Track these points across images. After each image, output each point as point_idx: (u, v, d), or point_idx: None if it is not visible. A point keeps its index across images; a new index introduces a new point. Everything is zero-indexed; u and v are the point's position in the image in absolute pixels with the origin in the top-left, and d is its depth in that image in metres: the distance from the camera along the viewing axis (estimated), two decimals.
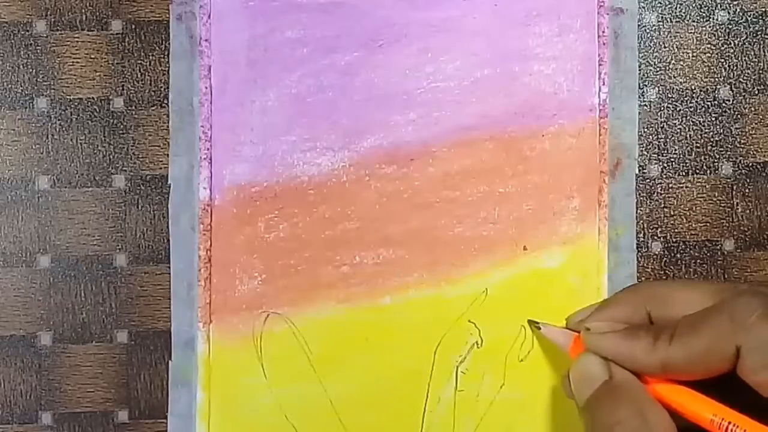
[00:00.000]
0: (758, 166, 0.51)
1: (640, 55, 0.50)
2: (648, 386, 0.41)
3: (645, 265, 0.50)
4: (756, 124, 0.51)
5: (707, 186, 0.51)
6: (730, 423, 0.40)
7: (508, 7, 0.49)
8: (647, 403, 0.41)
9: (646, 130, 0.50)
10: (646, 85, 0.50)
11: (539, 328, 0.47)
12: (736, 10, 0.51)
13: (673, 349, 0.40)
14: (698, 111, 0.51)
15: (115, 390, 0.49)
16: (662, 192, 0.50)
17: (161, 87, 0.49)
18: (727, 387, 0.41)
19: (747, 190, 0.51)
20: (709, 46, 0.51)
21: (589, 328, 0.43)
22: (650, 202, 0.50)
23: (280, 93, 0.49)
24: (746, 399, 0.40)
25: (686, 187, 0.51)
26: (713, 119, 0.51)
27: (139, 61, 0.49)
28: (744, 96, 0.51)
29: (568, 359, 0.45)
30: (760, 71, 0.51)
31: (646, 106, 0.50)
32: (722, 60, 0.51)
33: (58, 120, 0.49)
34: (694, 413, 0.41)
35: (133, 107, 0.49)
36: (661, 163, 0.50)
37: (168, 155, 0.49)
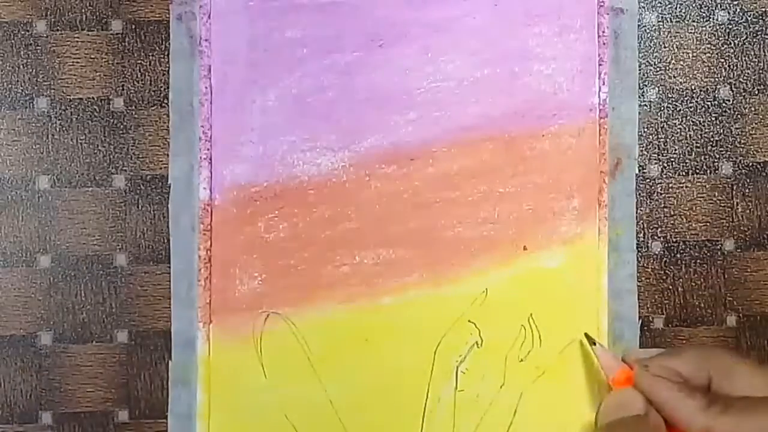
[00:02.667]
0: (758, 166, 0.51)
1: (640, 55, 0.50)
2: None
3: (645, 265, 0.50)
4: (756, 124, 0.51)
5: (707, 186, 0.51)
6: None
7: (508, 7, 0.49)
8: None
9: (646, 130, 0.50)
10: (646, 85, 0.50)
11: (593, 344, 0.47)
12: (736, 10, 0.51)
13: (723, 420, 0.42)
14: (698, 111, 0.51)
15: (115, 390, 0.49)
16: (662, 192, 0.50)
17: (161, 87, 0.49)
18: None
19: (747, 190, 0.51)
20: (709, 46, 0.51)
21: (648, 366, 0.44)
22: (650, 202, 0.50)
23: (280, 93, 0.49)
24: None
25: (686, 187, 0.51)
26: (713, 119, 0.51)
27: (139, 61, 0.49)
28: (744, 96, 0.51)
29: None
30: (760, 71, 0.51)
31: (646, 106, 0.50)
32: (722, 60, 0.51)
33: (58, 120, 0.49)
34: None
35: (133, 107, 0.49)
36: (661, 163, 0.50)
37: (168, 155, 0.49)
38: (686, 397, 0.43)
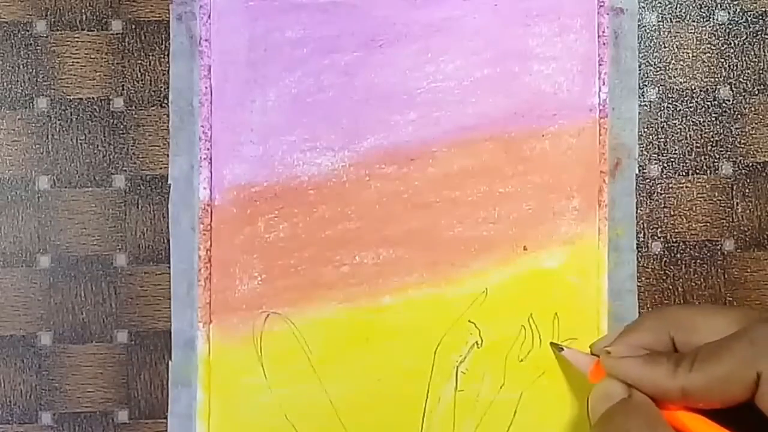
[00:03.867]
0: (758, 166, 0.51)
1: (640, 55, 0.50)
2: (665, 412, 0.41)
3: (645, 265, 0.50)
4: (756, 124, 0.51)
5: (707, 186, 0.51)
6: None
7: (508, 7, 0.49)
8: (660, 423, 0.41)
9: (646, 130, 0.50)
10: (646, 85, 0.50)
11: (561, 350, 0.47)
12: (736, 10, 0.51)
13: (692, 375, 0.40)
14: (698, 111, 0.51)
15: (115, 390, 0.49)
16: (662, 192, 0.50)
17: (161, 87, 0.49)
18: (743, 419, 0.41)
19: (747, 190, 0.51)
20: (709, 46, 0.51)
21: (610, 352, 0.43)
22: (650, 202, 0.50)
23: (280, 93, 0.49)
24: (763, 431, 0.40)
25: (686, 187, 0.51)
26: (713, 119, 0.51)
27: (139, 61, 0.49)
28: (744, 96, 0.51)
29: (587, 383, 0.45)
30: (760, 71, 0.51)
31: (646, 106, 0.50)
32: (722, 60, 0.51)
33: (58, 120, 0.49)
34: None
35: (133, 107, 0.49)
36: (661, 163, 0.50)
37: (168, 155, 0.49)
38: (653, 367, 0.41)
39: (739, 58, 0.51)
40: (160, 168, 0.49)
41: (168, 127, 0.49)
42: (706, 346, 0.41)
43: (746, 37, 0.51)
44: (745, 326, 0.41)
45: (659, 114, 0.50)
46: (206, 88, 0.49)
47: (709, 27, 0.51)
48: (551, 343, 0.48)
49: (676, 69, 0.51)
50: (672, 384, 0.41)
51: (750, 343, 0.40)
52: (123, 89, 0.49)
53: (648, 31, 0.50)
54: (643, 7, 0.50)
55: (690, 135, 0.51)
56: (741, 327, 0.41)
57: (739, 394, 0.40)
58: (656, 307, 0.50)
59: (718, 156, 0.51)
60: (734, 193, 0.51)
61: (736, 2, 0.51)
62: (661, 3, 0.51)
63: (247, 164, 0.49)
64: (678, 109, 0.51)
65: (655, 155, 0.50)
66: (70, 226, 0.49)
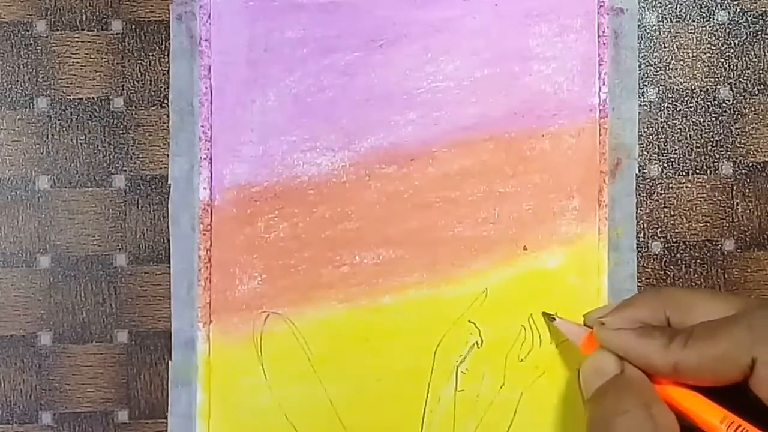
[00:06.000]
0: (758, 166, 0.51)
1: (640, 55, 0.50)
2: (657, 387, 0.41)
3: (645, 265, 0.50)
4: (756, 124, 0.51)
5: (707, 186, 0.51)
6: (739, 427, 0.40)
7: (508, 7, 0.49)
8: (655, 400, 0.41)
9: (646, 130, 0.50)
10: (646, 85, 0.50)
11: (553, 320, 0.47)
12: (736, 10, 0.51)
13: (687, 352, 0.40)
14: (698, 111, 0.51)
15: (115, 390, 0.49)
16: (662, 192, 0.50)
17: (161, 87, 0.49)
18: (732, 399, 0.41)
19: (747, 190, 0.51)
20: (709, 46, 0.51)
21: (604, 323, 0.43)
22: (650, 202, 0.50)
23: (280, 93, 0.49)
24: (752, 412, 0.40)
25: (686, 187, 0.51)
26: (713, 119, 0.51)
27: (139, 61, 0.49)
28: (744, 96, 0.51)
29: (579, 356, 0.45)
30: (760, 71, 0.51)
31: (646, 106, 0.50)
32: (722, 60, 0.51)
33: (58, 120, 0.49)
34: (703, 418, 0.41)
35: (133, 107, 0.49)
36: (661, 163, 0.50)
37: (168, 155, 0.49)
38: (646, 340, 0.41)
39: (739, 58, 0.51)
40: (160, 168, 0.49)
41: (168, 127, 0.49)
42: (702, 325, 0.41)
43: (746, 37, 0.51)
44: (744, 310, 0.41)
45: (659, 114, 0.50)
46: (206, 88, 0.49)
47: (709, 27, 0.51)
48: (543, 313, 0.48)
49: (676, 69, 0.51)
50: (665, 358, 0.41)
51: (748, 328, 0.40)
52: (123, 89, 0.49)
53: (648, 31, 0.50)
54: (643, 7, 0.50)
55: (690, 135, 0.51)
56: (737, 311, 0.41)
57: (731, 376, 0.40)
58: None
59: (718, 156, 0.51)
60: (734, 193, 0.51)
61: (736, 2, 0.51)
62: (661, 3, 0.51)
63: (247, 164, 0.49)
64: (678, 109, 0.51)
65: (655, 155, 0.50)
66: (70, 226, 0.49)
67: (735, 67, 0.51)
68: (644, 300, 0.44)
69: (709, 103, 0.51)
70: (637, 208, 0.50)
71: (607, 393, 0.41)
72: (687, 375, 0.41)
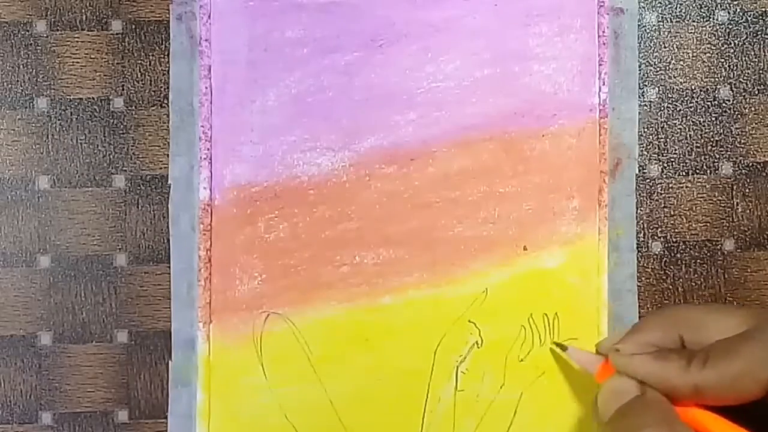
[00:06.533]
0: (758, 166, 0.51)
1: (640, 55, 0.50)
2: (677, 409, 0.41)
3: (645, 265, 0.50)
4: (756, 124, 0.51)
5: (707, 186, 0.51)
6: None
7: (508, 7, 0.49)
8: (676, 420, 0.40)
9: (646, 130, 0.50)
10: (646, 85, 0.50)
11: (565, 350, 0.47)
12: (736, 10, 0.51)
13: (706, 372, 0.40)
14: (698, 111, 0.51)
15: (115, 390, 0.49)
16: (662, 192, 0.50)
17: (161, 87, 0.49)
18: (754, 416, 0.41)
19: (747, 190, 0.51)
20: (709, 46, 0.51)
21: (619, 350, 0.43)
22: (650, 202, 0.50)
23: (280, 93, 0.49)
24: None
25: (686, 187, 0.51)
26: (713, 119, 0.51)
27: (139, 61, 0.49)
28: (744, 96, 0.51)
29: (588, 383, 0.45)
30: (760, 71, 0.51)
31: (646, 106, 0.50)
32: (722, 60, 0.51)
33: (58, 120, 0.49)
34: None
35: (133, 107, 0.49)
36: (661, 163, 0.50)
37: (168, 155, 0.49)
38: (664, 363, 0.41)
39: (739, 58, 0.51)
40: (160, 168, 0.49)
41: (168, 127, 0.49)
42: (719, 344, 0.41)
43: (746, 37, 0.51)
44: (758, 324, 0.41)
45: (659, 114, 0.50)
46: (206, 88, 0.49)
47: (709, 27, 0.51)
48: (554, 343, 0.48)
49: (676, 69, 0.51)
50: (684, 380, 0.41)
51: (765, 344, 0.40)
52: (123, 89, 0.49)
53: (648, 31, 0.50)
54: (643, 7, 0.50)
55: (690, 135, 0.51)
56: (751, 326, 0.41)
57: (751, 393, 0.40)
58: (656, 307, 0.50)
59: (718, 156, 0.51)
60: (734, 193, 0.51)
61: (736, 2, 0.51)
62: (661, 3, 0.51)
63: (247, 164, 0.49)
64: (678, 109, 0.51)
65: (655, 155, 0.50)
66: (70, 226, 0.49)
67: (735, 67, 0.51)
68: (655, 323, 0.44)
69: (709, 103, 0.51)
70: (637, 208, 0.50)
71: (629, 413, 0.41)
72: (708, 395, 0.41)
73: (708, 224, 0.50)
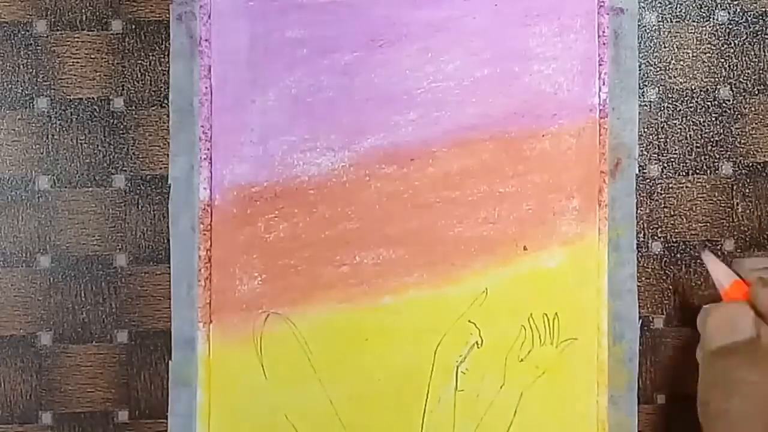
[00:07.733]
0: (758, 166, 0.51)
1: (640, 55, 0.50)
2: None
3: (645, 265, 0.50)
4: (756, 124, 0.51)
5: (707, 186, 0.51)
6: None
7: (508, 7, 0.49)
8: None
9: (646, 130, 0.50)
10: (646, 85, 0.50)
11: (704, 249, 0.45)
12: (736, 10, 0.51)
13: None
14: (698, 111, 0.51)
15: (115, 390, 0.49)
16: (662, 192, 0.50)
17: (161, 87, 0.49)
18: None
19: (747, 190, 0.51)
20: (709, 46, 0.51)
21: (763, 279, 0.40)
22: (650, 202, 0.50)
23: (280, 93, 0.49)
24: None
25: (686, 187, 0.51)
26: (713, 119, 0.51)
27: (139, 61, 0.49)
28: (744, 96, 0.51)
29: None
30: (760, 71, 0.51)
31: (646, 106, 0.50)
32: (722, 60, 0.51)
33: (58, 120, 0.49)
34: None
35: (133, 107, 0.49)
36: (661, 163, 0.50)
37: (168, 155, 0.49)
38: None
39: (739, 58, 0.51)
40: (160, 168, 0.49)
41: (168, 127, 0.49)
42: None
43: (746, 37, 0.51)
44: None
45: (659, 114, 0.50)
46: (206, 88, 0.49)
47: (709, 27, 0.51)
48: (699, 243, 0.46)
49: (676, 69, 0.51)
50: None
51: None
52: (123, 89, 0.49)
53: (648, 31, 0.50)
54: (643, 7, 0.50)
55: (690, 135, 0.51)
56: None
57: None
58: (656, 306, 0.50)
59: (718, 156, 0.51)
60: (734, 193, 0.51)
61: (736, 2, 0.51)
62: (661, 3, 0.51)
63: (247, 164, 0.49)
64: (678, 109, 0.51)
65: (655, 155, 0.50)
66: (70, 226, 0.49)
67: (735, 67, 0.51)
68: None
69: (709, 103, 0.51)
70: (637, 208, 0.50)
71: (739, 354, 0.39)
72: None
73: (708, 224, 0.50)
